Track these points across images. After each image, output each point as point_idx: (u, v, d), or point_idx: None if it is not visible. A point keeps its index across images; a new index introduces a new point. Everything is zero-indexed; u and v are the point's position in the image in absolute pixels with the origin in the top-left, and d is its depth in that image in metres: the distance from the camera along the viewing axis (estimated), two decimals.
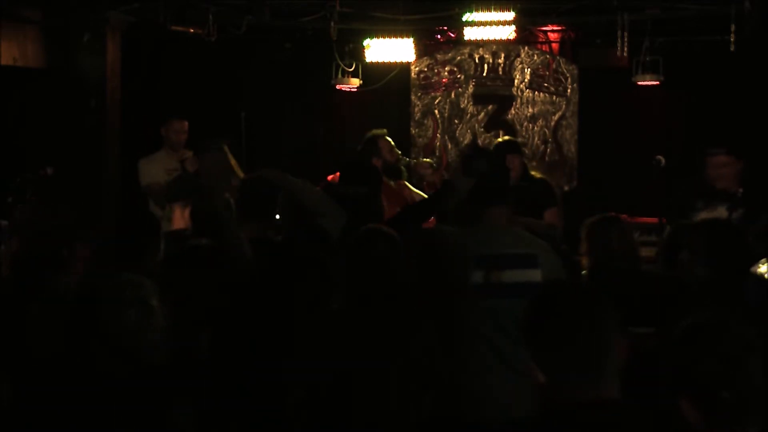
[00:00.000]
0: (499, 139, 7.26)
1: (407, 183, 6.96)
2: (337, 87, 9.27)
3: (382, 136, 6.92)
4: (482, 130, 9.23)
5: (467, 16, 8.42)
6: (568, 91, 9.11)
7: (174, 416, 2.99)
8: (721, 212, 6.23)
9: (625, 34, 8.07)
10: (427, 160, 7.41)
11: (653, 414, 2.41)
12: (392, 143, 6.91)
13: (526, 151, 8.83)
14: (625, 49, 8.14)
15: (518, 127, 9.16)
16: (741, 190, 6.39)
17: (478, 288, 4.06)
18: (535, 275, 4.08)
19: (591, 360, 2.40)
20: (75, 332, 3.00)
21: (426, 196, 6.52)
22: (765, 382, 2.28)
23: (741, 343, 2.30)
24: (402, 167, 6.91)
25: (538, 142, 9.14)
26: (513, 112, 9.19)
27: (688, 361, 2.30)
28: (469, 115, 9.26)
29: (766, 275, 4.33)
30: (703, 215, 6.10)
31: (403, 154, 7.12)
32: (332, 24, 8.21)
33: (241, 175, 6.42)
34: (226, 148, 6.32)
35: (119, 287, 2.99)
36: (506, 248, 4.14)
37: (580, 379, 2.39)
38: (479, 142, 9.11)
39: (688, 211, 6.22)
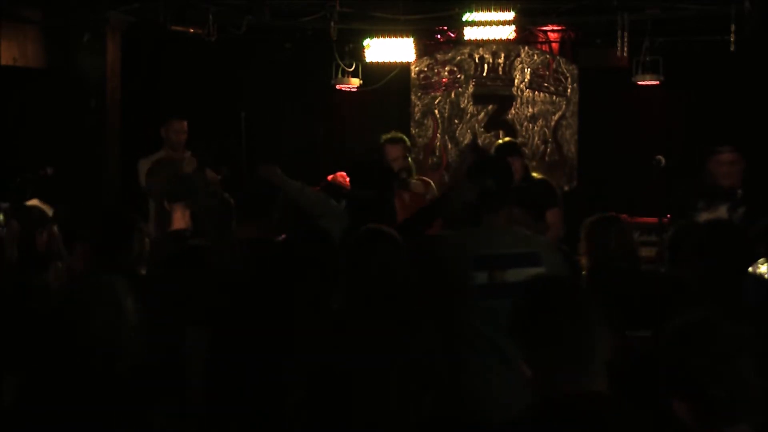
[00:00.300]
0: (500, 141, 7.24)
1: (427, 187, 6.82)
2: (337, 87, 9.27)
3: (390, 141, 6.74)
4: (482, 130, 9.23)
5: (467, 16, 8.42)
6: (568, 91, 9.11)
7: (153, 416, 2.98)
8: (722, 212, 6.23)
9: (625, 34, 8.06)
10: (417, 182, 7.10)
11: (647, 413, 2.42)
12: (402, 151, 6.71)
13: (526, 151, 8.83)
14: (625, 49, 8.13)
15: (518, 127, 9.16)
16: (740, 190, 6.39)
17: (482, 288, 4.06)
18: (539, 273, 4.06)
19: (577, 354, 2.42)
20: (50, 333, 3.00)
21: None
22: (757, 381, 2.29)
23: (732, 342, 2.31)
24: (404, 176, 6.68)
25: (538, 142, 9.14)
26: (513, 112, 9.19)
27: (679, 360, 2.31)
28: (469, 115, 9.26)
29: (765, 275, 4.34)
30: (705, 215, 6.10)
31: (406, 171, 6.75)
32: (332, 24, 8.21)
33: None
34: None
35: (91, 288, 2.99)
36: (507, 248, 4.14)
37: (567, 373, 2.41)
38: (479, 142, 9.11)
39: (689, 211, 6.22)
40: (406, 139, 7.09)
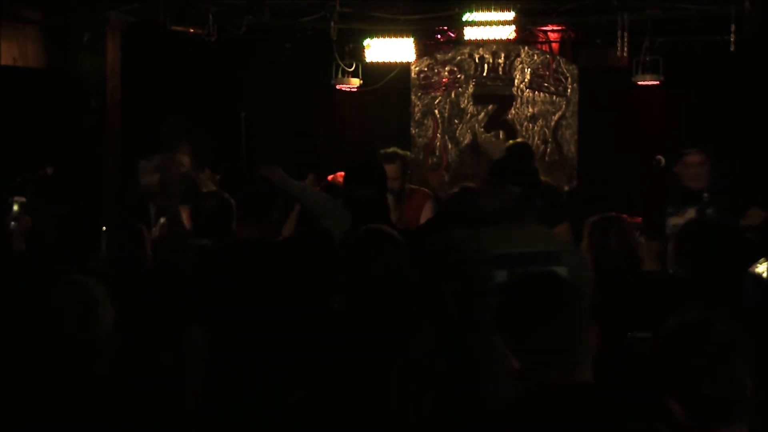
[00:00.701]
0: (511, 142, 7.18)
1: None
2: (337, 87, 9.27)
3: (385, 159, 6.39)
4: (482, 130, 9.22)
5: (467, 16, 8.42)
6: (568, 91, 9.11)
7: (134, 416, 2.96)
8: (691, 215, 6.21)
9: (625, 34, 8.06)
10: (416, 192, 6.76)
11: (637, 407, 2.44)
12: (397, 171, 6.38)
13: None
14: (625, 49, 8.13)
15: (518, 127, 9.15)
16: (706, 194, 6.37)
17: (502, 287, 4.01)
18: (561, 272, 4.00)
19: (563, 346, 2.44)
20: (25, 333, 2.99)
21: None
22: (753, 381, 2.30)
23: (724, 341, 2.32)
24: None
25: (538, 142, 9.13)
26: (513, 112, 9.18)
27: (672, 359, 2.33)
28: (469, 115, 9.26)
29: (764, 275, 4.34)
30: (674, 220, 6.11)
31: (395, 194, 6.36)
32: (332, 24, 8.21)
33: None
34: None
35: (63, 289, 2.98)
36: (526, 246, 4.10)
37: (553, 365, 2.43)
38: (479, 142, 9.11)
39: (659, 216, 6.22)
40: (406, 155, 6.87)
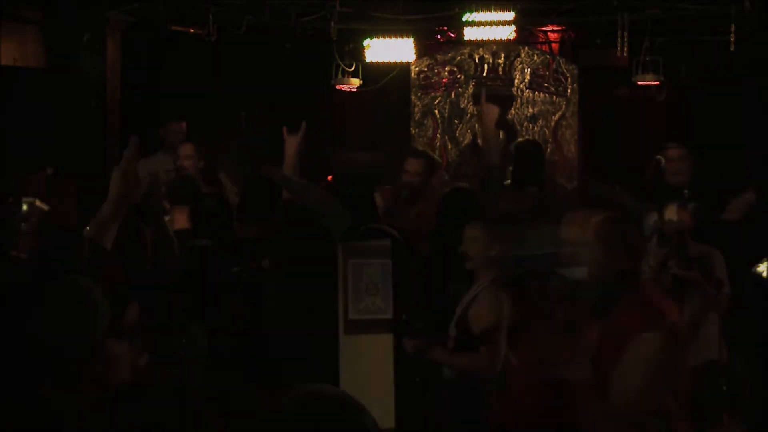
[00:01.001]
0: (520, 139, 7.16)
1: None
2: (337, 87, 9.28)
3: (412, 154, 6.32)
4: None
5: (467, 16, 8.42)
6: (568, 91, 9.11)
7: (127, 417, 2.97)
8: (672, 210, 6.20)
9: (625, 34, 8.07)
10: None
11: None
12: (419, 167, 6.17)
13: None
14: (625, 49, 8.14)
15: (518, 127, 9.15)
16: (687, 190, 6.36)
17: None
18: (574, 273, 3.94)
19: (561, 343, 2.45)
20: (24, 334, 3.00)
21: None
22: (749, 379, 2.31)
23: (723, 342, 2.33)
24: (404, 193, 6.08)
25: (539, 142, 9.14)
26: (513, 112, 9.18)
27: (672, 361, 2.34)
28: (469, 115, 9.26)
29: (764, 275, 4.34)
30: (655, 216, 6.10)
31: (407, 192, 6.11)
32: (332, 24, 8.21)
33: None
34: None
35: (65, 289, 2.98)
36: (540, 248, 4.09)
37: (551, 362, 2.44)
38: (479, 142, 9.11)
39: (642, 213, 6.21)
40: (437, 160, 6.81)
